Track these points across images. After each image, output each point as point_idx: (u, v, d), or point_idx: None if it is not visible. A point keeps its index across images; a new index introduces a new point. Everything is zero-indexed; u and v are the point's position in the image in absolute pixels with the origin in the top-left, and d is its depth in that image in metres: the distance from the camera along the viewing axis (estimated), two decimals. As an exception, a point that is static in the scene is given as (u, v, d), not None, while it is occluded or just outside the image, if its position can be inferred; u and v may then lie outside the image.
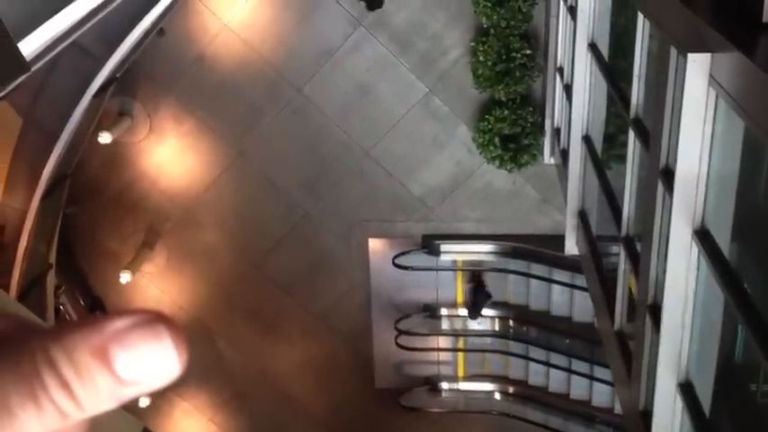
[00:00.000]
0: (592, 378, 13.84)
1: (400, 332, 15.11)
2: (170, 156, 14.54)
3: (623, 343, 6.96)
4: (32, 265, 11.72)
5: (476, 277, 14.85)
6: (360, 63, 13.57)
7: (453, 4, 13.14)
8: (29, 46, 5.70)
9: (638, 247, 6.27)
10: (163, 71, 13.90)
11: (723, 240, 4.77)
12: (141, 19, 9.97)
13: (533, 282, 14.30)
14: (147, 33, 11.39)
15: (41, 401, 0.44)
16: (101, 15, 7.56)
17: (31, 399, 0.43)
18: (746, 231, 5.01)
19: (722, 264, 4.64)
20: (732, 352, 5.33)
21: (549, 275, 13.92)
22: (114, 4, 7.70)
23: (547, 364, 14.60)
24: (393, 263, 14.56)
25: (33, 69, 6.12)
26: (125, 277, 14.72)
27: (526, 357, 14.91)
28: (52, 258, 13.13)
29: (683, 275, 5.08)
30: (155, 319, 0.46)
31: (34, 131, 10.89)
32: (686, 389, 5.35)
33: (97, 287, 15.69)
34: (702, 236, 4.87)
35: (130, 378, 0.46)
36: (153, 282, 15.50)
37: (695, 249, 4.96)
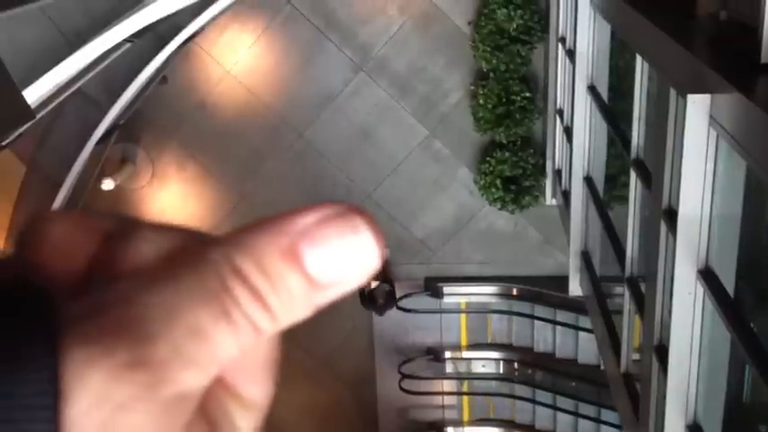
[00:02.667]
0: (599, 421, 13.69)
1: (404, 376, 14.98)
2: (173, 201, 14.58)
3: (630, 385, 6.90)
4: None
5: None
6: (361, 107, 13.67)
7: (452, 48, 13.28)
8: (33, 94, 5.76)
9: (643, 287, 6.24)
10: (165, 118, 14.00)
11: (728, 280, 4.76)
12: (144, 68, 10.08)
13: (537, 323, 14.22)
14: (150, 81, 11.51)
15: (234, 317, 0.39)
16: (104, 64, 7.64)
17: (224, 315, 0.39)
18: (751, 270, 4.99)
19: (728, 303, 4.62)
20: (740, 392, 5.27)
21: (554, 317, 13.85)
22: (117, 54, 7.79)
23: (553, 407, 14.44)
24: (396, 306, 14.50)
25: (38, 117, 6.17)
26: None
27: (532, 401, 14.76)
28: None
29: (688, 316, 5.05)
30: (346, 210, 0.41)
31: (37, 178, 10.94)
32: (695, 430, 5.29)
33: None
34: (707, 276, 4.85)
35: (327, 278, 0.40)
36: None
37: (700, 289, 4.94)
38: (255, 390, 0.45)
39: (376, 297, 13.97)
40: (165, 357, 0.38)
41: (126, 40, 7.19)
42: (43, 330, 0.36)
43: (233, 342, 0.39)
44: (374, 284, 13.83)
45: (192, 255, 0.40)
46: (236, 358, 0.40)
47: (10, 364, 0.35)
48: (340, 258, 0.40)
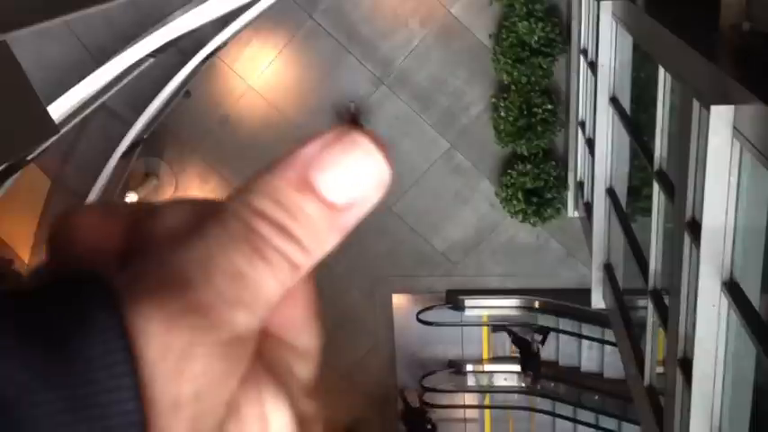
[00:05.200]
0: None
1: (425, 389, 14.94)
2: (195, 214, 14.66)
3: (654, 398, 6.83)
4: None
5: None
6: (382, 120, 13.70)
7: (474, 61, 13.29)
8: (59, 109, 5.83)
9: (667, 300, 6.19)
10: (189, 132, 14.11)
11: (753, 292, 4.71)
12: (167, 82, 10.17)
13: (562, 337, 14.13)
14: (174, 96, 11.61)
15: (268, 254, 0.40)
16: (128, 79, 7.73)
17: (258, 255, 0.40)
18: (777, 283, 4.93)
19: (753, 316, 4.57)
20: (766, 406, 5.21)
21: (579, 330, 13.75)
22: (141, 69, 7.87)
23: (575, 420, 14.33)
24: (417, 318, 14.47)
25: (62, 132, 6.24)
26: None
27: (554, 414, 14.66)
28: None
29: (713, 328, 5.00)
30: (345, 131, 0.42)
31: (62, 192, 11.06)
32: (721, 445, 5.23)
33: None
34: (731, 288, 4.81)
35: (344, 198, 0.41)
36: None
37: (725, 302, 4.90)
38: (305, 338, 0.46)
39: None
40: (211, 302, 0.39)
41: (149, 55, 7.26)
42: (101, 297, 0.38)
43: (272, 279, 0.41)
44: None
45: (214, 212, 0.41)
46: (280, 299, 0.42)
47: (80, 330, 0.37)
48: (351, 175, 0.41)
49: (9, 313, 0.37)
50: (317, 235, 0.42)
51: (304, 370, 0.46)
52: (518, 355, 14.26)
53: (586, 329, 13.59)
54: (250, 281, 0.40)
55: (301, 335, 0.46)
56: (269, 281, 0.41)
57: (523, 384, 15.09)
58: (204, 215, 0.42)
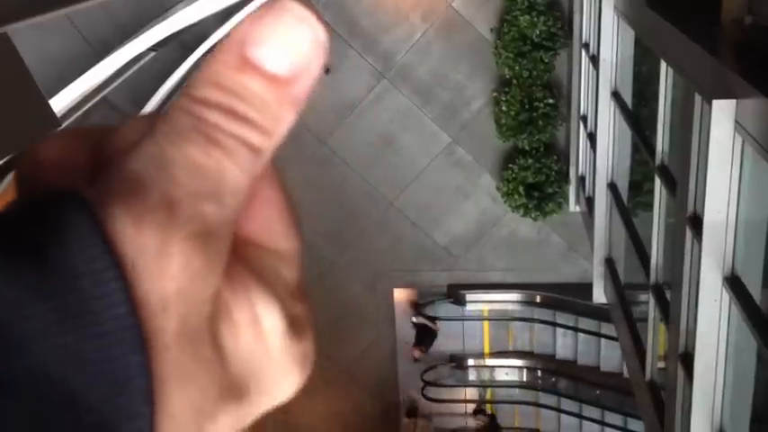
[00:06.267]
0: (626, 431, 13.57)
1: (426, 383, 14.96)
2: (196, 209, 14.67)
3: (655, 393, 6.84)
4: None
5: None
6: (383, 114, 13.70)
7: (475, 55, 13.27)
8: (60, 102, 5.83)
9: (668, 294, 6.20)
10: (189, 125, 14.10)
11: (754, 287, 4.71)
12: (169, 76, 10.17)
13: (559, 331, 14.14)
14: (175, 90, 11.60)
15: (221, 140, 0.39)
16: (129, 73, 7.73)
17: (211, 142, 0.39)
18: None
19: (754, 311, 4.57)
20: (767, 399, 5.22)
21: (576, 324, 13.76)
22: (143, 63, 7.87)
23: (579, 416, 14.35)
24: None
25: (64, 125, 6.24)
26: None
27: (557, 409, 14.67)
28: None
29: (714, 323, 5.00)
30: (272, 2, 0.40)
31: (63, 186, 11.06)
32: (721, 440, 5.24)
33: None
34: (733, 283, 4.81)
35: (286, 69, 0.40)
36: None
37: (726, 297, 4.90)
38: (285, 241, 0.45)
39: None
40: (174, 197, 0.38)
41: (151, 49, 7.25)
42: (74, 206, 0.37)
43: (233, 165, 0.39)
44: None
45: (156, 119, 0.40)
46: (247, 187, 0.40)
47: (60, 240, 0.36)
48: (288, 43, 0.40)
49: None
50: (269, 112, 0.40)
51: (290, 272, 0.45)
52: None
53: (584, 323, 13.60)
54: (210, 170, 0.39)
55: (282, 238, 0.45)
56: (230, 168, 0.39)
57: (525, 379, 15.12)
58: (150, 124, 0.41)
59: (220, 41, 0.41)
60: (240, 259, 0.42)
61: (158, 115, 0.41)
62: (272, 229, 0.45)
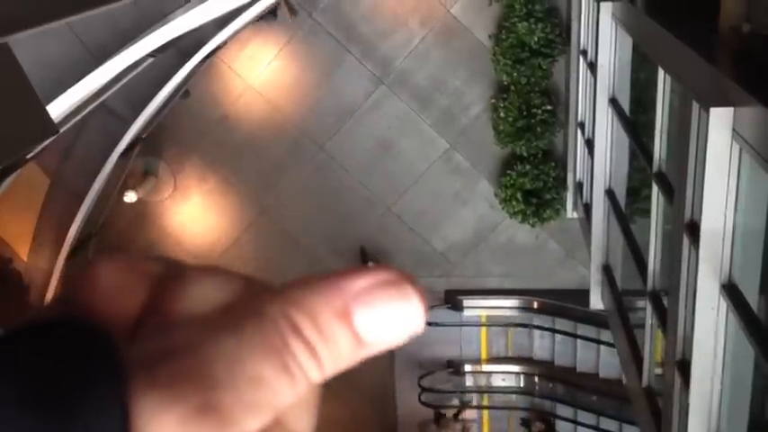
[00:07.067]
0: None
1: (424, 389, 14.93)
2: (194, 214, 14.66)
3: (652, 400, 6.83)
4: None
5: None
6: (381, 120, 13.71)
7: (473, 61, 13.29)
8: (58, 108, 5.83)
9: (665, 301, 6.19)
10: (187, 131, 14.10)
11: (751, 294, 4.71)
12: (167, 82, 10.16)
13: (558, 337, 14.13)
14: (173, 95, 11.60)
15: (292, 369, 0.43)
16: (127, 78, 7.72)
17: (284, 368, 0.43)
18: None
19: (751, 318, 4.57)
20: (764, 408, 5.21)
21: (574, 331, 13.75)
22: (141, 68, 7.87)
23: (574, 421, 14.33)
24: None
25: (62, 131, 6.24)
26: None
27: (553, 415, 14.65)
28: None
29: (711, 330, 5.00)
30: (398, 277, 0.44)
31: (61, 191, 11.04)
32: (719, 447, 5.23)
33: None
34: (730, 290, 4.81)
35: (374, 338, 0.44)
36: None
37: (723, 304, 4.90)
38: (302, 423, 0.48)
39: None
40: (230, 403, 0.41)
41: (149, 55, 7.26)
42: (112, 372, 0.40)
43: (289, 391, 0.43)
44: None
45: (251, 308, 0.44)
46: (289, 404, 0.44)
47: (82, 406, 0.39)
48: (389, 322, 0.44)
49: (22, 366, 0.39)
50: (337, 360, 0.44)
51: None
52: None
53: (582, 330, 13.58)
54: (270, 389, 0.42)
55: (300, 420, 0.48)
56: (287, 391, 0.43)
57: (522, 384, 15.09)
58: (241, 303, 0.44)
59: (337, 275, 0.44)
60: None
61: (236, 290, 0.45)
62: (296, 411, 0.48)
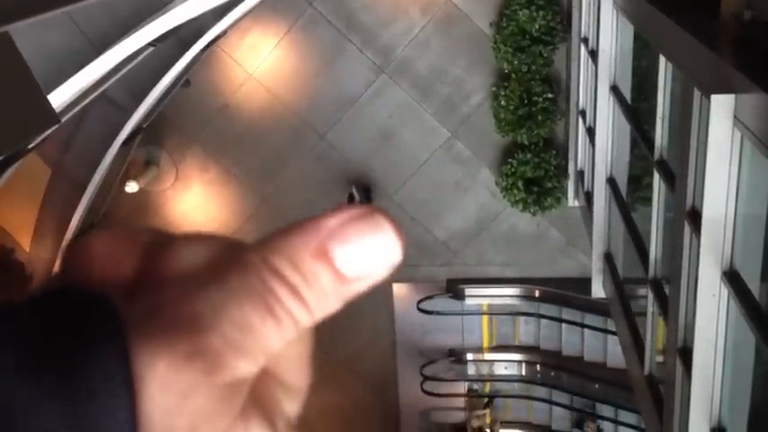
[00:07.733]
0: (617, 422, 13.60)
1: (426, 378, 14.97)
2: (195, 204, 14.66)
3: (654, 387, 6.85)
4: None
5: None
6: (382, 109, 13.69)
7: (474, 49, 13.26)
8: (59, 98, 5.82)
9: (667, 289, 6.20)
10: (189, 121, 14.09)
11: (753, 281, 4.71)
12: (167, 71, 10.15)
13: (564, 326, 14.14)
14: (174, 84, 11.58)
15: (278, 313, 0.44)
16: (128, 68, 7.71)
17: (269, 312, 0.44)
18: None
19: (753, 305, 4.58)
20: (765, 395, 5.22)
21: (582, 320, 13.76)
22: (141, 57, 7.86)
23: (571, 408, 14.38)
24: (417, 307, 14.49)
25: (63, 121, 6.24)
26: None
27: (551, 402, 14.70)
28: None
29: (713, 318, 5.01)
30: (369, 210, 0.45)
31: (62, 181, 11.05)
32: (720, 434, 5.25)
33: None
34: (732, 277, 4.81)
35: (355, 273, 0.45)
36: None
37: (725, 291, 4.90)
38: (297, 377, 0.50)
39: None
40: (219, 348, 0.43)
41: (149, 44, 7.24)
42: (110, 329, 0.42)
43: (277, 334, 0.44)
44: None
45: (233, 259, 0.45)
46: (279, 349, 0.45)
47: (85, 361, 0.40)
48: (366, 254, 0.45)
49: (22, 331, 0.41)
50: (323, 300, 0.45)
51: (293, 407, 0.49)
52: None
53: (589, 319, 13.60)
54: (257, 333, 0.43)
55: (294, 374, 0.49)
56: (274, 335, 0.44)
57: (524, 373, 15.13)
58: (224, 257, 0.45)
59: (311, 219, 0.45)
60: (252, 390, 0.46)
61: (220, 247, 0.46)
62: (290, 365, 0.49)
